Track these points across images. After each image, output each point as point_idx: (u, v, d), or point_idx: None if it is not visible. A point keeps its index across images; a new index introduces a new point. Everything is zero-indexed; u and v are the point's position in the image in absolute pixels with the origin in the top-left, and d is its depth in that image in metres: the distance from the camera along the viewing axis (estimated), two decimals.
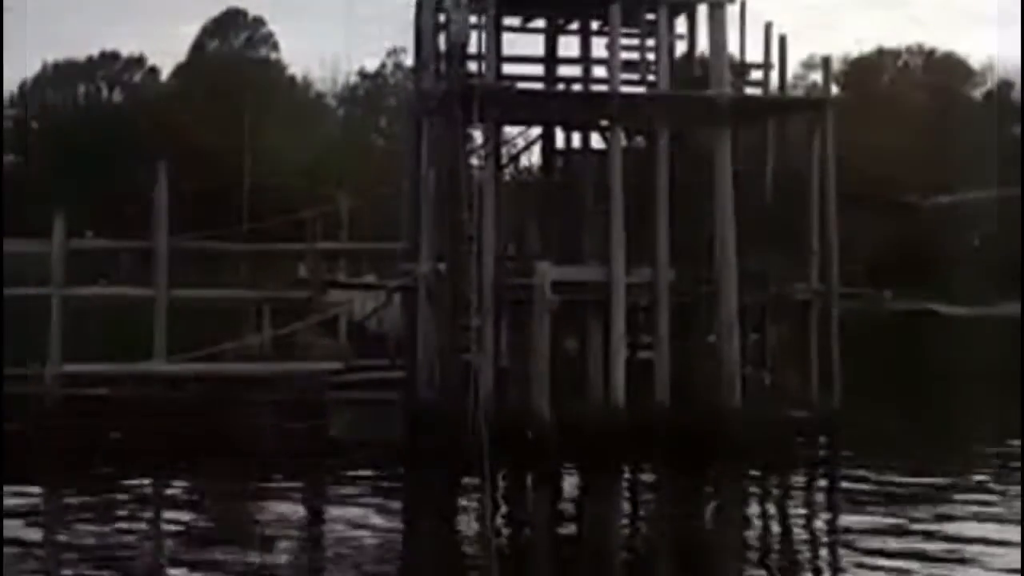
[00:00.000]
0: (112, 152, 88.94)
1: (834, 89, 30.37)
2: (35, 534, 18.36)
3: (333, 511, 20.40)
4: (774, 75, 27.13)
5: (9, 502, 19.73)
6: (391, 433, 24.71)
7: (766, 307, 26.37)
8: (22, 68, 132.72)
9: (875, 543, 17.89)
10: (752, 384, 25.51)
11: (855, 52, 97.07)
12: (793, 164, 27.31)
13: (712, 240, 25.09)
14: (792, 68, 28.37)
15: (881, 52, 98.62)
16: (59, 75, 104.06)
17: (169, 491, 21.83)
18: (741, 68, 27.29)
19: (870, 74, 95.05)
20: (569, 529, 20.39)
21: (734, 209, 25.05)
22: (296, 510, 20.85)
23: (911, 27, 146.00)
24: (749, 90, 27.32)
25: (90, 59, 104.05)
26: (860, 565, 16.73)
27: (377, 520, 19.43)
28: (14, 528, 18.13)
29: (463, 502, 20.68)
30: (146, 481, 22.23)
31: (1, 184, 36.65)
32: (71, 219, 25.92)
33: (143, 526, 19.26)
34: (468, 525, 19.57)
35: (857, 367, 26.75)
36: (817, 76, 46.18)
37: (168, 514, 20.28)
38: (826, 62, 28.76)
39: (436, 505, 21.18)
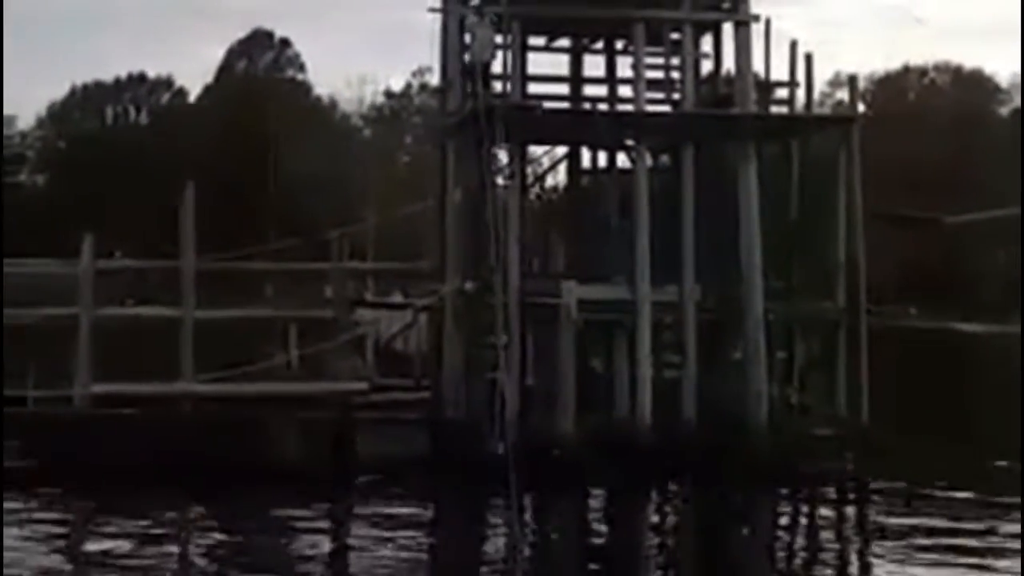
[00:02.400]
0: (139, 173, 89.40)
1: (860, 107, 30.31)
2: (59, 556, 18.41)
3: (359, 531, 20.41)
4: (800, 93, 27.15)
5: (35, 527, 19.87)
6: (417, 453, 24.72)
7: (793, 325, 26.32)
8: (51, 90, 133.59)
9: (904, 562, 17.81)
10: (779, 402, 25.46)
11: (881, 70, 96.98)
12: (819, 182, 27.27)
13: (738, 258, 25.07)
14: (818, 86, 28.45)
15: (907, 69, 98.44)
16: (87, 97, 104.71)
17: (195, 511, 21.86)
18: (767, 86, 27.30)
19: (896, 91, 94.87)
20: (597, 547, 20.36)
21: (760, 227, 25.04)
22: (323, 530, 20.87)
23: (938, 44, 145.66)
24: (775, 108, 27.32)
25: (118, 81, 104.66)
26: None
27: (403, 539, 19.44)
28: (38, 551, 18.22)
29: (490, 521, 20.66)
30: (172, 500, 22.27)
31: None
32: (99, 240, 26.05)
33: (171, 548, 19.28)
34: (495, 543, 19.55)
35: (883, 385, 26.65)
36: (843, 94, 46.19)
37: (195, 536, 20.30)
38: (852, 80, 28.76)
39: (463, 524, 21.17)
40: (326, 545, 19.67)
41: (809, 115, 27.36)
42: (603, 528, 21.87)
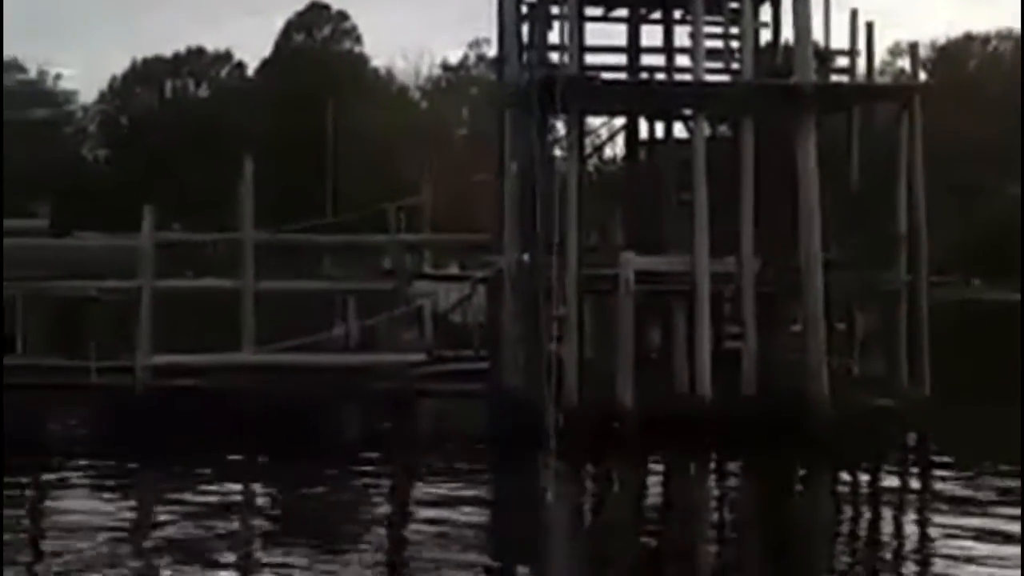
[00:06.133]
0: (199, 147, 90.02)
1: (921, 75, 30.03)
2: (123, 524, 18.61)
3: (419, 500, 20.52)
4: (860, 62, 26.88)
5: (99, 491, 20.14)
6: (476, 423, 24.79)
7: (853, 296, 26.14)
8: (112, 65, 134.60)
9: (964, 538, 17.66)
10: (839, 373, 25.30)
11: (942, 38, 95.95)
12: (879, 151, 27.05)
13: (797, 228, 24.91)
14: (878, 55, 28.12)
15: (969, 37, 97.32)
16: (147, 71, 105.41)
17: (257, 482, 22.04)
18: (826, 55, 27.06)
19: (958, 60, 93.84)
20: (654, 519, 20.34)
21: (820, 197, 24.85)
22: (383, 500, 20.99)
23: (1001, 11, 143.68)
24: (835, 78, 27.08)
25: (177, 55, 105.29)
26: (948, 557, 16.52)
27: (463, 508, 19.50)
28: (108, 517, 18.44)
29: (548, 489, 20.67)
30: (233, 471, 22.45)
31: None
32: (159, 213, 26.25)
33: (232, 519, 19.42)
34: (554, 512, 19.55)
35: (944, 356, 26.42)
36: (904, 62, 45.72)
37: (257, 506, 20.46)
38: (913, 49, 28.54)
39: (521, 493, 21.20)
40: (386, 515, 19.76)
41: (869, 84, 27.10)
42: (660, 500, 21.84)
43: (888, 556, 17.38)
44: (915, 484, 22.66)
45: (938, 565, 16.41)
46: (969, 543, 17.23)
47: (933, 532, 18.32)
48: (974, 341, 45.04)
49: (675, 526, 19.77)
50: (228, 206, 27.95)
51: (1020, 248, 61.65)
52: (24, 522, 18.56)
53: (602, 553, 17.55)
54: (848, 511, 20.66)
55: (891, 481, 22.55)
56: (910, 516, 20.12)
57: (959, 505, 19.70)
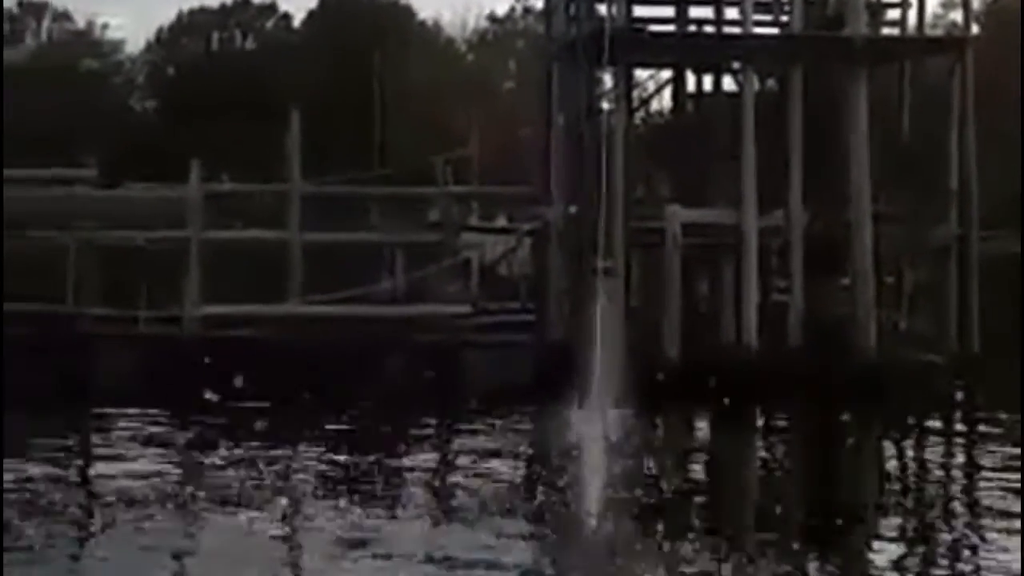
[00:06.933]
0: (246, 98, 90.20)
1: (973, 28, 29.73)
2: (174, 477, 18.83)
3: (462, 451, 20.64)
4: (912, 14, 26.66)
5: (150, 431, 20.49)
6: (521, 375, 24.87)
7: (903, 250, 26.00)
8: (159, 15, 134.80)
9: (1010, 487, 17.63)
10: (887, 327, 25.20)
11: None
12: (930, 106, 26.83)
13: (847, 182, 24.77)
14: (930, 7, 27.93)
15: None
16: (193, 22, 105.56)
17: (301, 432, 22.19)
18: (878, 7, 26.82)
19: (1011, 13, 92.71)
20: (699, 471, 20.39)
21: (869, 151, 24.69)
22: (427, 451, 21.13)
23: None
24: (886, 30, 26.84)
25: (223, 6, 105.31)
26: (994, 509, 16.50)
27: (506, 459, 19.61)
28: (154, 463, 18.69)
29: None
30: (279, 420, 22.61)
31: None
32: (207, 164, 26.38)
33: (277, 468, 19.60)
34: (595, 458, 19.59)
35: (992, 311, 26.25)
36: (956, 15, 45.22)
37: (301, 456, 20.62)
38: (966, 1, 28.19)
39: (563, 444, 21.27)
40: (430, 466, 19.89)
41: (921, 37, 26.87)
42: (706, 452, 21.88)
43: (935, 498, 17.42)
44: (961, 437, 22.58)
45: (984, 502, 16.48)
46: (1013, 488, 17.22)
47: (977, 485, 18.31)
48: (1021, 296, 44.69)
49: (718, 472, 19.81)
50: (275, 158, 28.01)
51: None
52: (80, 460, 18.99)
53: (644, 496, 17.62)
54: (891, 459, 20.68)
55: (936, 435, 22.49)
56: (954, 468, 20.11)
57: (1003, 458, 19.67)
